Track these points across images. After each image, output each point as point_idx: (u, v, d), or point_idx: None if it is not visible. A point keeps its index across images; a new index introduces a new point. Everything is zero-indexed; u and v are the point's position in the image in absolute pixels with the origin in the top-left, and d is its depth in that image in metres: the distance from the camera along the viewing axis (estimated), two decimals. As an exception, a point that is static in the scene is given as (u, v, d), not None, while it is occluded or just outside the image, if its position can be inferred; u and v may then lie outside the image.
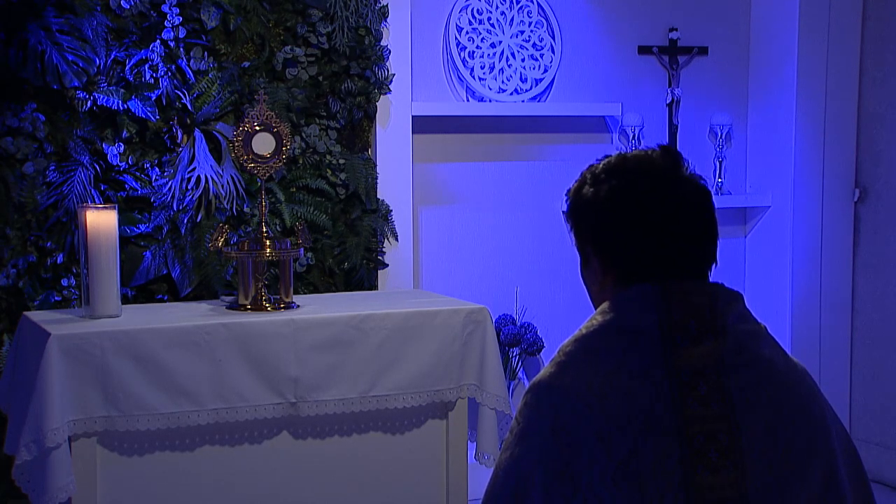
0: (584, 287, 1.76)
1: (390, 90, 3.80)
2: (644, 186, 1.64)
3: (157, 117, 3.38)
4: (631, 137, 4.32)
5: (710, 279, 1.69)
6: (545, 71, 4.22)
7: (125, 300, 3.23)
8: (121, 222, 3.14)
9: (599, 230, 1.67)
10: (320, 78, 3.67)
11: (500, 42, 4.16)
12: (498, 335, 3.72)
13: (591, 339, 1.62)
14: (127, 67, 3.38)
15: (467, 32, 4.10)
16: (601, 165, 1.70)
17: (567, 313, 4.23)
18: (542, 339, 4.07)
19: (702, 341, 1.59)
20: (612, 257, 1.66)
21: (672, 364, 1.57)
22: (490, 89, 4.13)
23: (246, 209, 3.51)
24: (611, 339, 1.60)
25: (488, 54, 4.14)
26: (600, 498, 1.51)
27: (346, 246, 3.70)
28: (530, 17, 4.20)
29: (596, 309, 1.70)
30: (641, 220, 1.63)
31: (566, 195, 1.75)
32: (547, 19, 4.22)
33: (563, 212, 1.77)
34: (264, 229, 3.13)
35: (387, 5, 3.78)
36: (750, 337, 1.63)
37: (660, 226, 1.63)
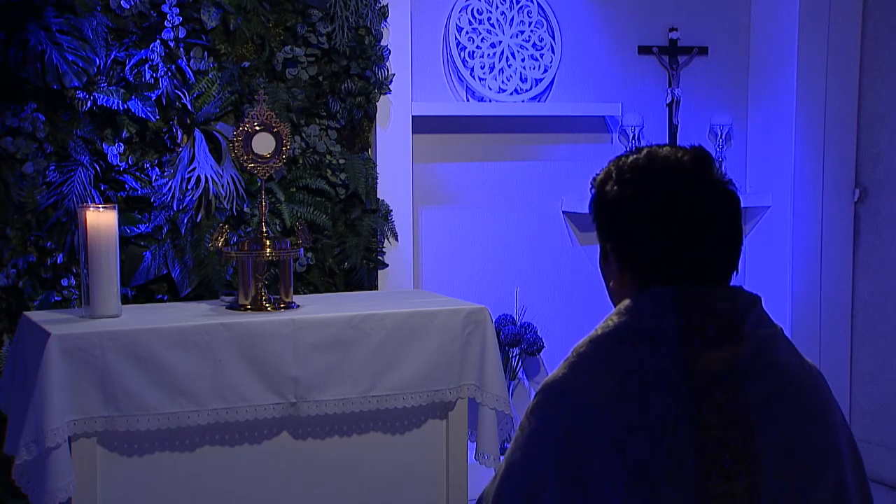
0: (602, 279, 1.72)
1: (390, 90, 3.80)
2: (670, 193, 1.59)
3: (157, 117, 3.38)
4: (631, 137, 4.32)
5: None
6: (545, 71, 4.22)
7: (125, 300, 3.23)
8: (121, 222, 3.14)
9: (620, 231, 1.63)
10: (320, 78, 3.67)
11: (500, 42, 4.16)
12: (498, 335, 3.72)
13: (605, 340, 1.58)
14: (127, 67, 3.38)
15: (467, 32, 4.10)
16: (629, 162, 1.64)
17: (567, 313, 4.23)
18: (542, 339, 4.07)
19: (719, 346, 1.55)
20: (631, 259, 1.63)
21: (689, 369, 1.53)
22: (490, 89, 4.13)
23: (246, 209, 3.51)
24: (626, 342, 1.56)
25: (488, 54, 4.14)
26: (611, 503, 1.48)
27: (346, 246, 3.70)
28: (530, 17, 4.20)
29: (613, 304, 1.67)
30: (664, 227, 1.59)
31: (591, 184, 1.70)
32: (547, 19, 4.22)
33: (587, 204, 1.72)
34: (264, 229, 3.13)
35: (387, 5, 3.78)
36: (767, 341, 1.60)
37: (682, 233, 1.59)
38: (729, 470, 1.51)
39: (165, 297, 3.42)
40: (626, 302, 1.61)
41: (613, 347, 1.56)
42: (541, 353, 4.13)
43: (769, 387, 1.57)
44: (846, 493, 1.61)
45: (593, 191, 1.68)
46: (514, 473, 1.57)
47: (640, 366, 1.54)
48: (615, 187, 1.63)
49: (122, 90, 3.35)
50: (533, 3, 4.20)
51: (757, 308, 1.62)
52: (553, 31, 4.22)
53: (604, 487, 1.49)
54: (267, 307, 3.06)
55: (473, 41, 4.12)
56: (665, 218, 1.59)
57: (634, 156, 1.65)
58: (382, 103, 3.79)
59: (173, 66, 3.43)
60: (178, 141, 3.44)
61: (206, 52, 3.49)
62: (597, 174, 1.69)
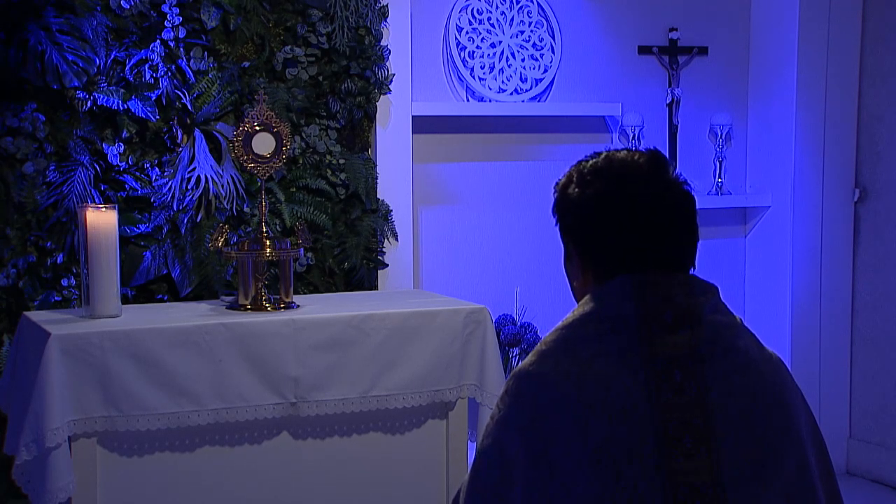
0: (567, 280, 1.82)
1: (390, 90, 3.80)
2: (627, 191, 1.68)
3: (157, 117, 3.38)
4: (631, 137, 4.32)
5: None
6: (545, 71, 4.22)
7: (125, 300, 3.23)
8: (121, 222, 3.14)
9: (581, 230, 1.74)
10: (320, 78, 3.67)
11: (500, 42, 4.16)
12: (498, 335, 3.72)
13: (571, 328, 1.68)
14: (127, 67, 3.38)
15: (467, 32, 4.10)
16: (588, 165, 1.74)
17: (567, 313, 4.22)
18: (541, 339, 4.06)
19: (677, 331, 1.63)
20: (592, 256, 1.73)
21: (648, 352, 1.61)
22: (490, 89, 4.13)
23: (246, 209, 3.51)
24: (589, 329, 1.65)
25: (488, 54, 4.14)
26: (577, 483, 1.55)
27: (346, 246, 3.70)
28: (530, 17, 4.20)
29: (577, 302, 1.76)
30: (622, 224, 1.68)
31: (554, 188, 1.79)
32: (547, 19, 4.22)
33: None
34: (264, 229, 3.13)
35: (387, 5, 3.78)
36: (725, 328, 1.66)
37: (641, 230, 1.68)
38: (690, 448, 1.57)
39: (165, 297, 3.42)
40: (590, 293, 1.71)
41: (578, 334, 1.66)
42: (541, 353, 4.12)
43: (728, 369, 1.63)
44: (808, 474, 1.66)
45: (556, 194, 1.78)
46: (487, 458, 1.65)
47: (602, 350, 1.62)
48: (576, 189, 1.73)
49: (122, 90, 3.35)
50: (533, 3, 4.20)
51: (714, 296, 1.69)
52: (553, 31, 4.22)
53: (569, 466, 1.56)
54: (267, 307, 3.06)
55: (473, 41, 4.12)
56: (623, 215, 1.68)
57: (594, 160, 1.75)
58: (382, 103, 3.79)
59: (173, 66, 3.43)
60: (178, 141, 3.44)
61: (206, 52, 3.49)
62: (559, 179, 1.79)
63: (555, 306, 4.24)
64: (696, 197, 1.75)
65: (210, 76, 3.47)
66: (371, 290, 3.75)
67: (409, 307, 3.10)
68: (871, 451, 4.51)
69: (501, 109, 4.13)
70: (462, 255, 4.17)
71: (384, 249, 3.80)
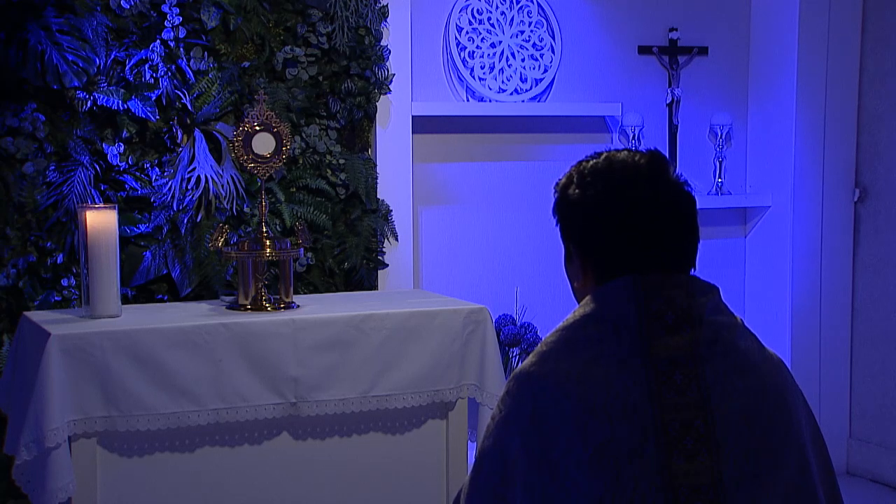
0: (567, 280, 1.82)
1: (390, 90, 3.80)
2: (627, 192, 1.68)
3: (157, 117, 3.38)
4: (631, 137, 4.32)
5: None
6: (545, 71, 4.22)
7: (125, 300, 3.23)
8: (121, 222, 3.14)
9: (582, 231, 1.73)
10: (320, 78, 3.67)
11: (500, 42, 4.16)
12: (498, 335, 3.72)
13: (571, 329, 1.68)
14: (127, 67, 3.38)
15: (467, 32, 4.10)
16: (589, 165, 1.74)
17: (567, 314, 4.22)
18: (541, 339, 4.06)
19: (678, 331, 1.62)
20: (593, 256, 1.72)
21: (649, 353, 1.61)
22: (490, 89, 4.13)
23: (246, 209, 3.51)
24: (590, 329, 1.65)
25: (488, 54, 4.14)
26: (577, 484, 1.55)
27: (346, 246, 3.70)
28: (530, 17, 4.20)
29: (577, 302, 1.75)
30: (622, 225, 1.68)
31: (554, 189, 1.79)
32: (547, 19, 4.22)
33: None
34: (264, 229, 3.13)
35: (387, 5, 3.78)
36: (726, 328, 1.66)
37: (640, 230, 1.67)
38: (691, 449, 1.57)
39: (165, 297, 3.42)
40: (591, 294, 1.70)
41: (579, 335, 1.65)
42: (541, 353, 4.12)
43: (728, 370, 1.63)
44: (808, 474, 1.66)
45: (556, 195, 1.78)
46: (488, 459, 1.65)
47: (603, 351, 1.62)
48: (577, 190, 1.72)
49: (122, 90, 3.35)
50: (533, 3, 4.20)
51: (714, 296, 1.69)
52: (553, 31, 4.22)
53: (569, 468, 1.56)
54: (267, 307, 3.07)
55: (473, 41, 4.12)
56: (624, 216, 1.68)
57: (594, 160, 1.74)
58: (382, 103, 3.79)
59: (173, 66, 3.43)
60: (178, 141, 3.44)
61: (206, 52, 3.49)
62: (559, 179, 1.78)
63: (555, 306, 4.24)
64: (696, 197, 1.74)
65: (210, 76, 3.47)
66: (371, 290, 3.75)
67: (408, 307, 3.10)
68: (871, 451, 4.51)
69: (501, 109, 4.12)
70: (462, 255, 4.17)
71: (384, 249, 3.80)
